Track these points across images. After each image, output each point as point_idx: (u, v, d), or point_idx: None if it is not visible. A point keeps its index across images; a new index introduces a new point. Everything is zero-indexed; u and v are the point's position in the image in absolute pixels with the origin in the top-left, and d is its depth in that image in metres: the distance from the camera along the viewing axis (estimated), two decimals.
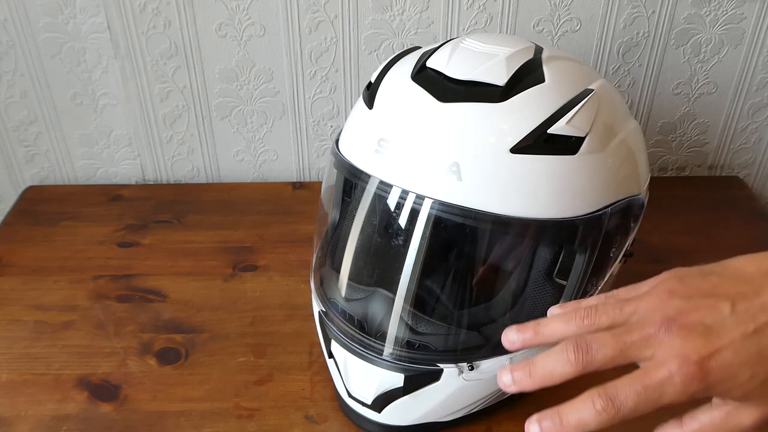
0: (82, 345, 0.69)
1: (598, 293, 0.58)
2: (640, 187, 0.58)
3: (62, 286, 0.77)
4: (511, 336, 0.43)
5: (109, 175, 0.99)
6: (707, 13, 0.86)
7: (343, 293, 0.59)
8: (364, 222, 0.58)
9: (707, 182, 0.99)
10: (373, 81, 0.57)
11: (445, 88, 0.52)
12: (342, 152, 0.57)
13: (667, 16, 0.86)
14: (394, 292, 0.54)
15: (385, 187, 0.52)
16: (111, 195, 0.93)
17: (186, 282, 0.77)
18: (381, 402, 0.56)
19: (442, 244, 0.55)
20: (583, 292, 0.56)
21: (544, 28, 0.87)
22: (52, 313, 0.73)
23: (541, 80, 0.53)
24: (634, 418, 0.36)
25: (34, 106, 0.92)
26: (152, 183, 0.99)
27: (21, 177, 0.98)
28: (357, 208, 0.57)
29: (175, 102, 0.92)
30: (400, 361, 0.54)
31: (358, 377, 0.57)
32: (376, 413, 0.58)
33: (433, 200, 0.50)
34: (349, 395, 0.58)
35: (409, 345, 0.55)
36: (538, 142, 0.49)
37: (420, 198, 0.50)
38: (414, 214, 0.51)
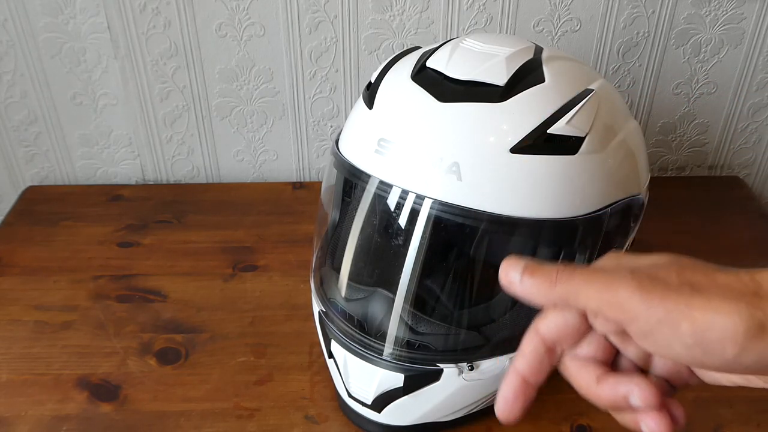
0: (82, 345, 0.69)
1: None
2: (640, 187, 0.58)
3: (62, 286, 0.77)
4: None
5: (109, 175, 0.99)
6: (707, 13, 0.86)
7: (343, 293, 0.59)
8: (364, 222, 0.58)
9: (707, 182, 0.99)
10: (373, 81, 0.57)
11: (445, 88, 0.52)
12: (342, 152, 0.57)
13: (667, 16, 0.86)
14: (394, 292, 0.54)
15: (385, 187, 0.52)
16: (111, 195, 0.93)
17: (186, 282, 0.77)
18: (381, 402, 0.56)
19: (442, 244, 0.54)
20: None
21: (544, 28, 0.87)
22: (52, 313, 0.73)
23: (541, 80, 0.53)
24: None
25: (34, 106, 0.92)
26: (152, 183, 0.99)
27: (21, 177, 0.98)
28: (357, 208, 0.57)
29: (175, 102, 0.92)
30: (400, 361, 0.54)
31: (358, 377, 0.57)
32: (376, 413, 0.58)
33: (433, 200, 0.50)
34: (349, 395, 0.58)
35: (409, 345, 0.55)
36: (538, 142, 0.49)
37: (420, 198, 0.50)
38: (414, 214, 0.51)
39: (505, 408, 0.35)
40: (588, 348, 0.34)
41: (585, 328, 0.34)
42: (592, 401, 0.34)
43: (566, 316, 0.34)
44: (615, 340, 0.34)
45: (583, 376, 0.34)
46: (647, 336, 0.31)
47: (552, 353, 0.35)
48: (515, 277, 0.34)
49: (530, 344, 0.35)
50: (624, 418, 0.33)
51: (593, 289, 0.32)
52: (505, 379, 0.35)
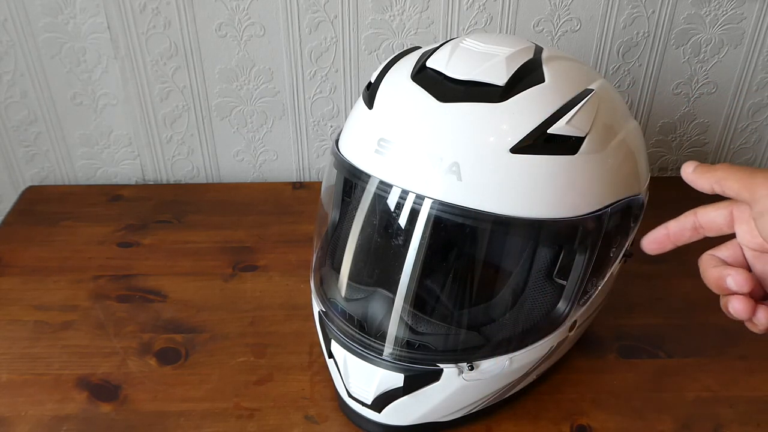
0: (82, 345, 0.69)
1: (598, 294, 0.58)
2: (640, 187, 0.58)
3: (62, 286, 0.77)
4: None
5: (109, 175, 0.99)
6: (707, 13, 0.86)
7: (343, 293, 0.59)
8: (364, 222, 0.58)
9: None
10: (373, 81, 0.57)
11: (445, 88, 0.52)
12: (342, 152, 0.57)
13: (667, 16, 0.86)
14: (394, 292, 0.54)
15: (385, 187, 0.52)
16: (111, 195, 0.93)
17: (186, 282, 0.77)
18: (381, 402, 0.56)
19: (442, 244, 0.54)
20: (582, 292, 0.56)
21: (544, 28, 0.87)
22: (52, 313, 0.73)
23: (541, 80, 0.53)
24: None
25: (34, 106, 0.92)
26: (152, 183, 0.99)
27: (21, 177, 0.98)
28: (357, 208, 0.57)
29: (175, 102, 0.92)
30: (400, 361, 0.54)
31: (358, 377, 0.57)
32: (376, 413, 0.58)
33: (432, 200, 0.50)
34: (349, 395, 0.58)
35: (409, 345, 0.55)
36: (538, 142, 0.49)
37: (420, 198, 0.50)
38: (414, 214, 0.51)
39: (648, 242, 0.49)
40: (725, 252, 0.46)
41: (727, 228, 0.46)
42: (705, 280, 0.45)
43: (720, 214, 0.46)
44: (748, 255, 0.45)
45: (707, 262, 0.46)
46: (762, 216, 0.41)
47: (695, 231, 0.47)
48: (689, 168, 0.46)
49: (686, 217, 0.47)
50: (724, 301, 0.44)
51: (738, 174, 0.43)
52: (657, 228, 0.49)
